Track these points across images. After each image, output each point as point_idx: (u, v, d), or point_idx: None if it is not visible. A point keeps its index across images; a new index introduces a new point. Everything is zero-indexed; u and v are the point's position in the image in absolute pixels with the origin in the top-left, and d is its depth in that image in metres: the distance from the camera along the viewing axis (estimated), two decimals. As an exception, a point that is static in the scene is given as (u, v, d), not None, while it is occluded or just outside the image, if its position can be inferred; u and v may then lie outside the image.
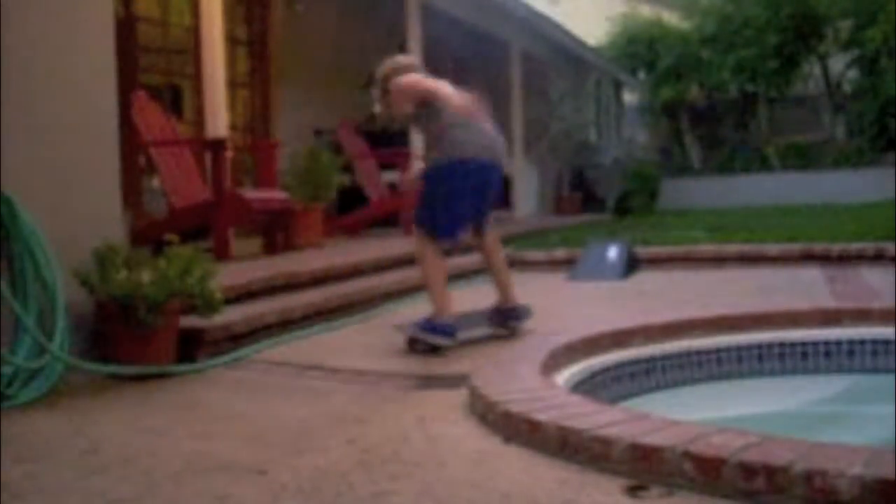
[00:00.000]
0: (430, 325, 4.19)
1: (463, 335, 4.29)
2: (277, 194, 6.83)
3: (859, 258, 6.83)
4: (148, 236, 5.81)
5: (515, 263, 7.51)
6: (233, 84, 8.52)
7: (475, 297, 4.89)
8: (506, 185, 13.32)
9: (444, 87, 4.26)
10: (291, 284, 5.16)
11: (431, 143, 4.48)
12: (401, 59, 4.85)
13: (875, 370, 4.01)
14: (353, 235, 8.86)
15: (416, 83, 4.45)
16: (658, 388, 3.85)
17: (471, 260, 7.40)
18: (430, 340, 4.16)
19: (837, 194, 14.87)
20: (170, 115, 7.10)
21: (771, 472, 2.06)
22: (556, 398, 2.81)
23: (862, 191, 14.58)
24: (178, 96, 8.64)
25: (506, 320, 4.56)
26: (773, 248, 7.18)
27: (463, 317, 4.44)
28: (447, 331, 4.19)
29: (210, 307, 3.91)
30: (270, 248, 6.81)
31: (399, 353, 4.16)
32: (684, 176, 17.46)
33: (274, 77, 9.44)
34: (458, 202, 4.32)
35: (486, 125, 4.46)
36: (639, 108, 18.91)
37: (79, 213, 3.91)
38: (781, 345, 4.06)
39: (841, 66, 16.96)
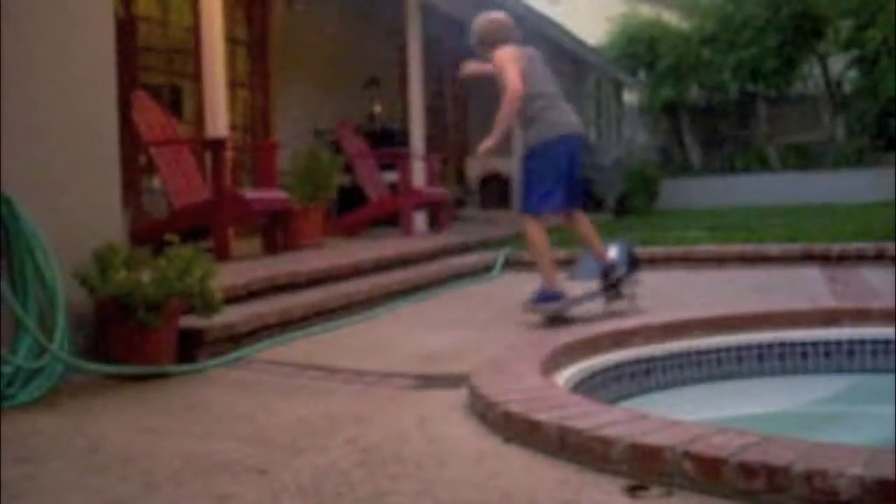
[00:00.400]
0: (541, 297, 4.85)
1: (580, 310, 4.91)
2: (277, 194, 6.83)
3: (859, 258, 6.83)
4: (148, 236, 5.81)
5: (515, 263, 7.51)
6: (233, 84, 8.52)
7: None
8: (506, 185, 13.43)
9: (513, 80, 4.80)
10: (291, 284, 5.16)
11: (525, 122, 5.00)
12: (492, 19, 5.31)
13: (875, 370, 4.01)
14: (353, 235, 8.86)
15: (500, 66, 4.93)
16: (658, 388, 3.85)
17: (471, 260, 7.40)
18: (542, 309, 4.82)
19: (837, 194, 14.87)
20: (170, 115, 7.10)
21: (771, 472, 2.06)
22: (556, 398, 2.81)
23: (862, 191, 14.58)
24: (178, 96, 8.64)
25: (607, 275, 5.03)
26: (773, 248, 7.18)
27: (576, 299, 4.99)
28: (556, 297, 4.86)
29: (210, 307, 3.90)
30: (270, 248, 6.81)
31: (398, 353, 4.16)
32: (684, 176, 17.46)
33: (274, 77, 9.44)
34: (555, 177, 4.89)
35: (562, 102, 5.06)
36: (639, 108, 18.90)
37: (79, 213, 3.90)
38: (781, 345, 4.06)
39: (841, 66, 16.96)
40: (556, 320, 4.76)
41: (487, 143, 4.88)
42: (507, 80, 4.81)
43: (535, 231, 4.95)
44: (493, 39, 5.08)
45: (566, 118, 4.98)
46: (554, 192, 4.89)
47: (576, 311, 4.92)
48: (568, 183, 4.94)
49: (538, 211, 4.95)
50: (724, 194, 16.12)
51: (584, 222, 5.13)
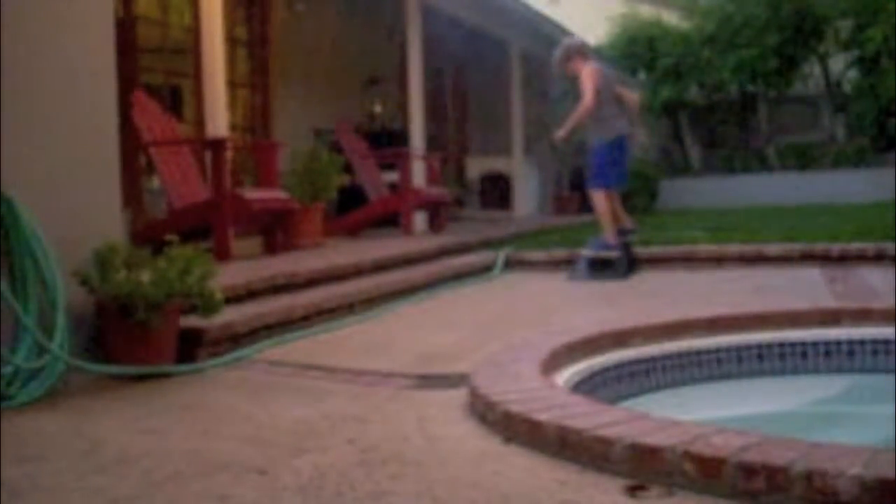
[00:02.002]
0: (603, 245, 6.92)
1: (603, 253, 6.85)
2: (277, 194, 6.83)
3: (859, 258, 6.83)
4: (148, 236, 5.81)
5: (515, 263, 7.52)
6: (233, 84, 8.52)
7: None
8: (506, 184, 13.43)
9: (589, 97, 6.76)
10: (291, 284, 5.17)
11: (595, 123, 6.94)
12: (575, 40, 7.48)
13: (875, 370, 4.01)
14: (353, 235, 8.86)
15: (585, 80, 6.85)
16: (658, 388, 3.85)
17: (471, 260, 7.40)
18: (604, 254, 6.84)
19: (837, 194, 14.86)
20: (170, 115, 7.10)
21: (771, 472, 2.06)
22: (556, 398, 2.81)
23: (862, 191, 14.56)
24: (178, 96, 8.64)
25: (625, 235, 7.02)
26: (773, 248, 7.18)
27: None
28: (612, 247, 6.88)
29: (210, 307, 3.90)
30: (270, 248, 6.81)
31: (398, 354, 4.16)
32: (684, 176, 17.44)
33: (274, 77, 9.44)
34: (617, 164, 7.00)
35: (617, 107, 7.06)
36: (639, 108, 18.84)
37: (79, 213, 3.90)
38: (781, 345, 4.06)
39: (841, 66, 16.94)
40: (606, 265, 6.78)
41: (560, 133, 7.17)
42: (586, 94, 6.77)
43: (601, 200, 6.90)
44: (578, 54, 7.03)
45: (623, 124, 7.03)
46: (612, 174, 6.97)
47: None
48: (621, 169, 7.06)
49: (604, 186, 6.93)
50: (724, 194, 16.10)
51: (616, 201, 7.02)
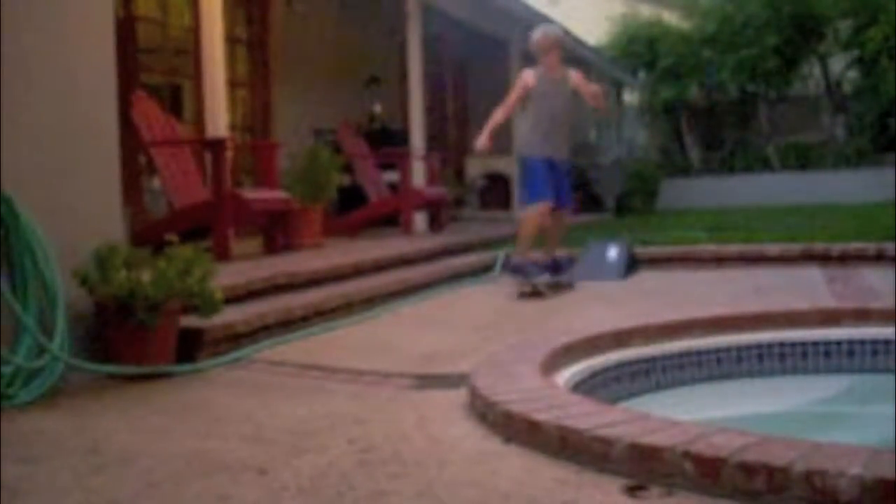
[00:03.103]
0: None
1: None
2: (277, 194, 6.82)
3: (859, 258, 6.83)
4: (148, 236, 5.80)
5: (515, 263, 7.51)
6: (233, 84, 8.52)
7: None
8: (506, 184, 13.42)
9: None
10: (291, 284, 5.16)
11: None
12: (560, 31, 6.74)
13: (875, 370, 4.01)
14: (353, 235, 8.85)
15: (585, 82, 6.54)
16: (658, 388, 3.85)
17: (471, 260, 7.40)
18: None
19: (837, 194, 14.85)
20: (170, 115, 7.09)
21: (771, 472, 2.06)
22: (556, 398, 2.81)
23: (862, 191, 14.55)
24: (178, 96, 8.64)
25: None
26: (773, 248, 7.18)
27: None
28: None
29: (210, 307, 3.90)
30: (270, 248, 6.81)
31: (398, 354, 4.16)
32: (684, 176, 17.44)
33: (274, 77, 9.44)
34: None
35: None
36: (639, 108, 18.88)
37: (79, 213, 3.90)
38: (781, 345, 4.06)
39: (841, 66, 16.94)
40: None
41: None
42: (599, 92, 6.69)
43: None
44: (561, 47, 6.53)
45: None
46: None
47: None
48: None
49: None
50: (724, 194, 16.09)
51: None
